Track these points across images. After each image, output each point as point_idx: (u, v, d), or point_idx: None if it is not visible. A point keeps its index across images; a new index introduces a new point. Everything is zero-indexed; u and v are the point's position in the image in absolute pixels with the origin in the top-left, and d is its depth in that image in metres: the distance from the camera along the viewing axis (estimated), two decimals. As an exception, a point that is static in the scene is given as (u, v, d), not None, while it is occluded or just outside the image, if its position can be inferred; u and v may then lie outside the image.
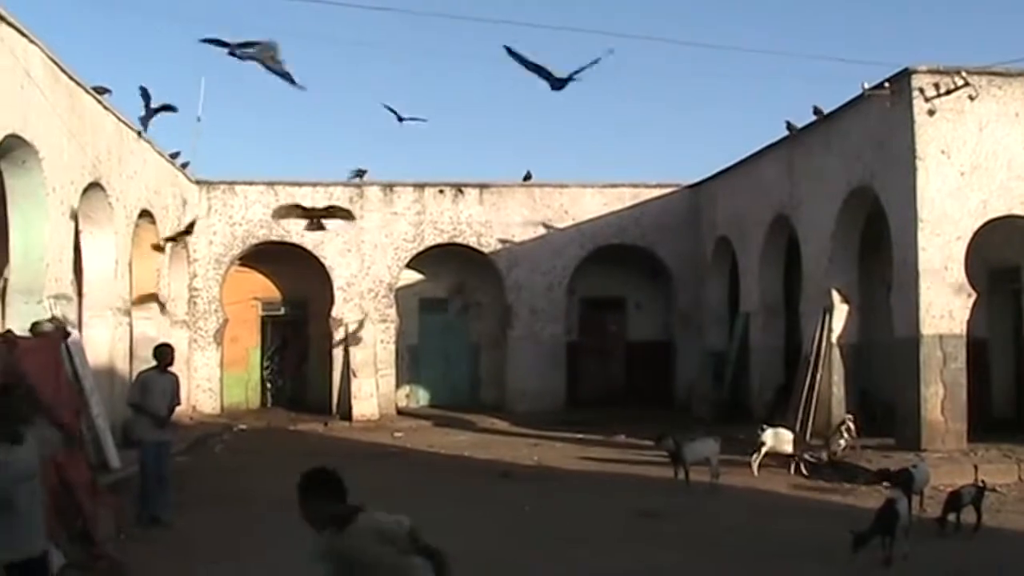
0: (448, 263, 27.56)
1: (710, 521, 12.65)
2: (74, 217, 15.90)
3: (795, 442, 16.45)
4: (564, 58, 23.88)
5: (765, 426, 16.58)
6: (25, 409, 6.37)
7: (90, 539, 9.83)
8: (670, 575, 9.67)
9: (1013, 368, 20.47)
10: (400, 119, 23.46)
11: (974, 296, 16.48)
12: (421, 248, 26.51)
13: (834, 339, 19.04)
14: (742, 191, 23.97)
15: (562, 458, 18.40)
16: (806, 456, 16.45)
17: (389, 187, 26.60)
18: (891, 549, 9.82)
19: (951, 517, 11.32)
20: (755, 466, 15.95)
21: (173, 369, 12.47)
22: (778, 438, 16.23)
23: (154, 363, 12.37)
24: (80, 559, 9.54)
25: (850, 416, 17.02)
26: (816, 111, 19.72)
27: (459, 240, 26.60)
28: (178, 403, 12.55)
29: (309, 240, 25.75)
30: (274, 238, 25.90)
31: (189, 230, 23.29)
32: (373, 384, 25.54)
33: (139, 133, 19.83)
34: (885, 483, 13.19)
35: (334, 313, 25.91)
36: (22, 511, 5.89)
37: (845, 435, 16.59)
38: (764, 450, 16.01)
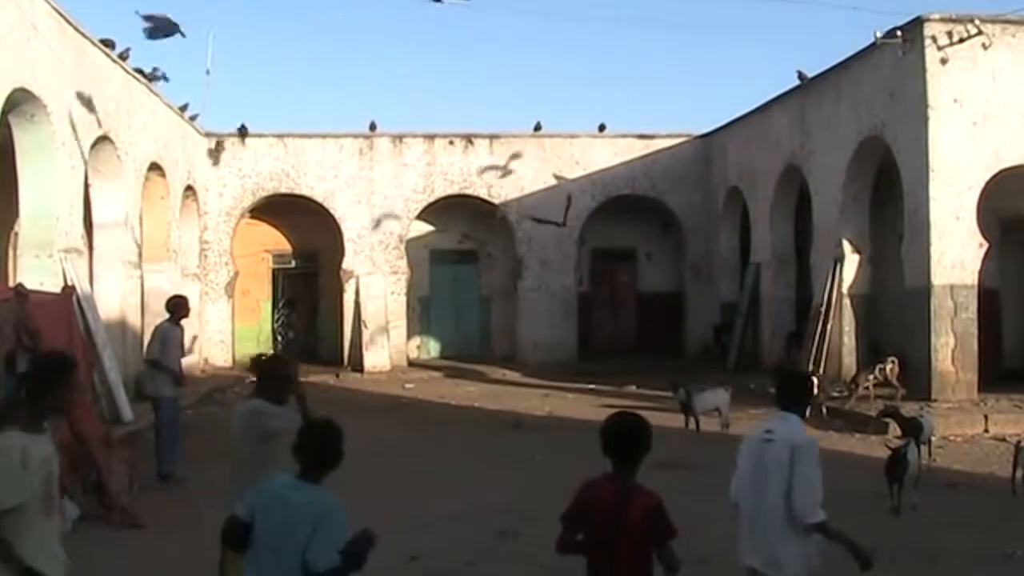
0: (458, 215, 27.54)
1: (720, 470, 12.67)
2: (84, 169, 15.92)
3: (819, 388, 16.59)
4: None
5: None
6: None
7: (104, 491, 9.94)
8: (680, 523, 9.70)
9: (1024, 318, 20.45)
10: None
11: (985, 246, 16.43)
12: (431, 199, 26.46)
13: (845, 289, 19.04)
14: (753, 141, 23.82)
15: (573, 409, 18.46)
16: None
17: (399, 138, 26.49)
18: (900, 498, 9.87)
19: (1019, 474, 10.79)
20: None
21: (185, 321, 12.54)
22: None
23: (168, 315, 12.38)
24: (94, 511, 9.67)
25: (893, 358, 16.88)
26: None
27: (469, 191, 26.53)
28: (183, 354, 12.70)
29: (320, 192, 25.74)
30: (284, 191, 25.89)
31: None
32: (384, 336, 25.63)
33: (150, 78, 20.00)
34: (886, 418, 13.27)
35: (345, 265, 25.94)
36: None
37: (875, 372, 16.61)
38: None
